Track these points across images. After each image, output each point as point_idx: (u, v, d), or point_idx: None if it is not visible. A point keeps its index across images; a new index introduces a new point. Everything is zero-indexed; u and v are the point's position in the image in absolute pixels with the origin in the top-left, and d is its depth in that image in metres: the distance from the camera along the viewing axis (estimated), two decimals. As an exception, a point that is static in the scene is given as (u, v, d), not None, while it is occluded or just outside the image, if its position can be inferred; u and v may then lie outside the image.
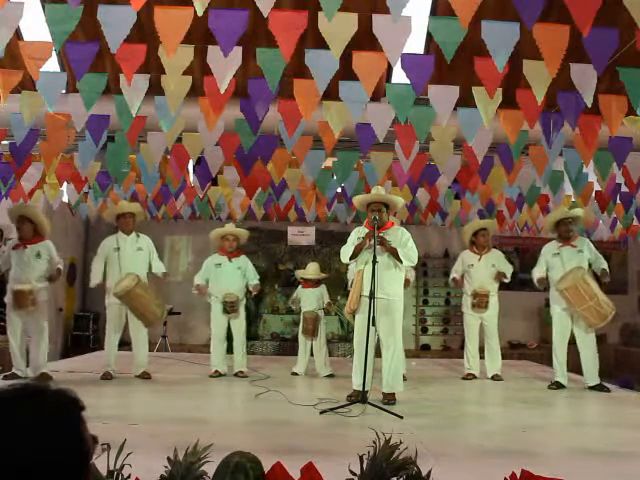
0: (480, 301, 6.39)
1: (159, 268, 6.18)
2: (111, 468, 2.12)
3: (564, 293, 5.65)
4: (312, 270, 6.61)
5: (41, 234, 5.79)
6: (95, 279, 5.97)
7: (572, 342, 5.92)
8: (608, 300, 5.64)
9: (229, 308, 6.18)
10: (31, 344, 5.66)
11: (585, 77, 4.16)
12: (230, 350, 6.39)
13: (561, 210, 6.28)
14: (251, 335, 9.48)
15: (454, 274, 6.66)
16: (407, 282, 6.10)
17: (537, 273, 6.07)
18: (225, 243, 6.40)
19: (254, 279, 6.42)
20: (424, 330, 11.52)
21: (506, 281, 6.51)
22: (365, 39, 4.11)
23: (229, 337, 6.40)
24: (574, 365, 5.96)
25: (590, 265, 5.89)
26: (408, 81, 4.22)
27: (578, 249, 5.89)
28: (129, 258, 5.94)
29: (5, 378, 5.48)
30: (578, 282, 5.56)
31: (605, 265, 5.86)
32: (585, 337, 5.76)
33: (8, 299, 5.62)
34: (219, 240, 6.47)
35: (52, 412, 1.05)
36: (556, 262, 5.92)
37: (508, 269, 6.51)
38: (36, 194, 8.08)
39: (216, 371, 6.19)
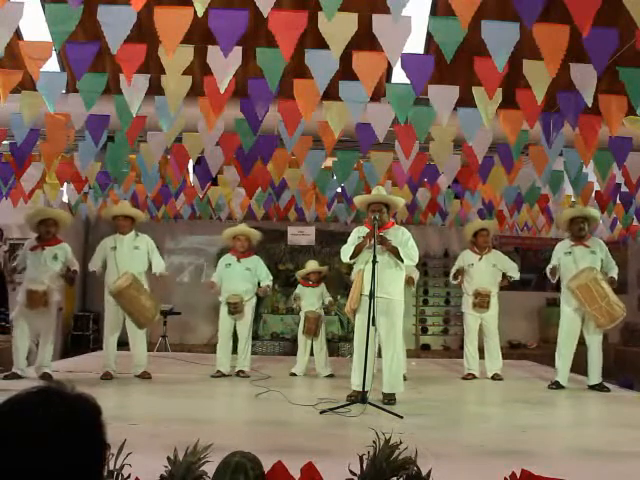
0: (482, 301, 6.38)
1: (158, 266, 6.11)
2: (111, 468, 2.12)
3: (575, 292, 5.58)
4: (312, 265, 6.62)
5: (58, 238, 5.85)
6: (93, 267, 6.05)
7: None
8: (619, 302, 5.60)
9: (232, 309, 6.18)
10: (39, 344, 5.69)
11: (585, 77, 4.16)
12: (236, 350, 6.37)
13: (577, 207, 6.22)
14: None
15: (455, 271, 6.66)
16: (412, 281, 6.10)
17: (549, 267, 5.99)
18: (237, 243, 6.39)
19: (265, 279, 6.39)
20: (424, 330, 11.52)
21: (515, 279, 6.51)
22: (365, 39, 4.11)
23: (235, 337, 6.37)
24: (574, 365, 5.95)
25: (602, 267, 5.83)
26: (408, 81, 4.22)
27: (591, 249, 5.80)
28: (125, 257, 5.92)
29: (5, 378, 5.49)
30: (590, 282, 5.50)
31: (615, 273, 5.78)
32: (593, 337, 5.75)
33: (21, 299, 5.64)
34: (231, 240, 6.47)
35: (73, 417, 1.05)
36: (568, 261, 5.82)
37: (513, 268, 6.49)
38: (36, 194, 8.07)
39: (218, 371, 6.18)
